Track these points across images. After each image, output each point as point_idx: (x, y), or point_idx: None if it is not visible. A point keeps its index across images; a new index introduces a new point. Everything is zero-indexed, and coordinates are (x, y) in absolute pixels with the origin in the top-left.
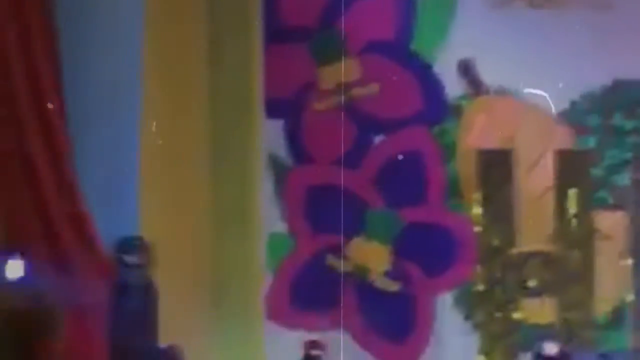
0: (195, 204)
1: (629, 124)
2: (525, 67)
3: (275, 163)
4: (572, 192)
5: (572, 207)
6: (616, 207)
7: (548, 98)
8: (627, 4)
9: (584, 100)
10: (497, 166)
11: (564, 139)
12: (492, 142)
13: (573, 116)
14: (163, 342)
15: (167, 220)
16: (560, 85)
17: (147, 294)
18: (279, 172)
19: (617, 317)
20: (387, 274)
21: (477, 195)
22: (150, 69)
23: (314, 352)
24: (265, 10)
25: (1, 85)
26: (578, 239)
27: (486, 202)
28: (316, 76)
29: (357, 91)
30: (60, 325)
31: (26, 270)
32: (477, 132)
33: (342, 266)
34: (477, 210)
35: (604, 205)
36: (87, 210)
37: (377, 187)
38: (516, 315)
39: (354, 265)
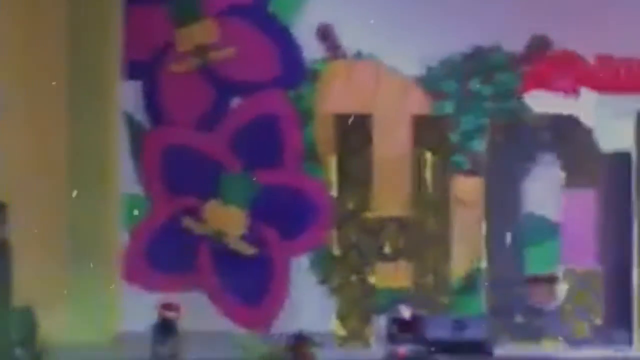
0: (52, 165)
1: (486, 90)
2: (383, 33)
3: (132, 124)
4: (429, 157)
5: (428, 172)
6: (472, 172)
7: (406, 64)
8: None
9: (441, 66)
10: (354, 131)
11: (421, 104)
12: (350, 107)
13: (430, 82)
14: (17, 303)
15: (23, 181)
16: (418, 51)
17: (1, 254)
18: (136, 134)
19: (471, 282)
20: (243, 237)
21: (333, 160)
22: (5, 30)
23: (169, 314)
24: None
25: None
26: (434, 204)
27: (342, 167)
28: (174, 38)
29: (215, 54)
30: None
31: None
32: (334, 97)
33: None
34: (333, 174)
35: (460, 170)
36: None
37: (233, 150)
38: (372, 280)
39: (210, 228)
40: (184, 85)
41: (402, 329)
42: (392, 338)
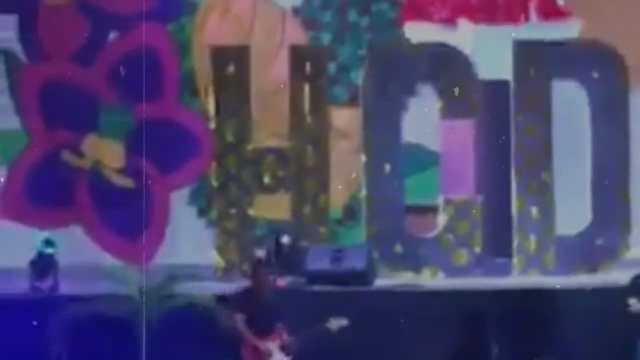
0: None
1: (364, 21)
2: None
3: (8, 59)
4: (307, 89)
5: (306, 104)
6: (350, 103)
7: None
8: None
9: None
10: (232, 62)
11: (298, 35)
12: (227, 39)
13: (308, 12)
14: None
15: None
16: None
17: None
18: (13, 68)
19: (350, 213)
20: (121, 170)
21: (212, 92)
22: None
23: (48, 250)
24: None
25: None
26: (313, 135)
27: (221, 99)
28: None
29: None
30: None
31: None
32: (212, 28)
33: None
34: (211, 106)
35: (338, 101)
36: None
37: (111, 83)
38: (251, 211)
39: (88, 162)
40: (59, 19)
41: (281, 259)
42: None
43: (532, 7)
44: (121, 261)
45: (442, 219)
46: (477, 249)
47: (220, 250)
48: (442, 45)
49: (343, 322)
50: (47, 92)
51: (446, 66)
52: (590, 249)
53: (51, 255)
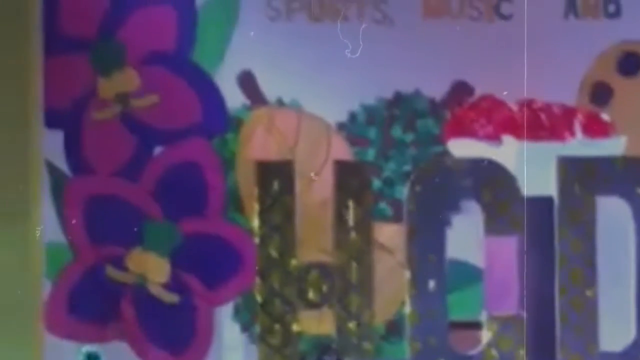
0: None
1: (408, 137)
2: (304, 79)
3: (54, 173)
4: (351, 204)
5: (350, 219)
6: (395, 219)
7: (327, 110)
8: (406, 17)
9: (363, 112)
10: (276, 178)
11: (343, 150)
12: (272, 154)
13: (352, 128)
14: None
15: None
16: (339, 97)
17: None
18: (59, 183)
19: (395, 328)
20: (166, 285)
21: (256, 207)
22: None
23: None
24: (45, 19)
25: None
26: (357, 250)
27: (265, 214)
28: (95, 86)
29: (137, 102)
30: None
31: None
32: (256, 144)
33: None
34: (256, 222)
35: (383, 217)
36: None
37: (156, 198)
38: (295, 327)
39: (133, 277)
40: (105, 133)
41: None
42: None
43: (578, 124)
44: None
45: (486, 336)
46: None
47: None
48: (487, 161)
49: None
50: (92, 206)
51: (489, 182)
52: None
53: None
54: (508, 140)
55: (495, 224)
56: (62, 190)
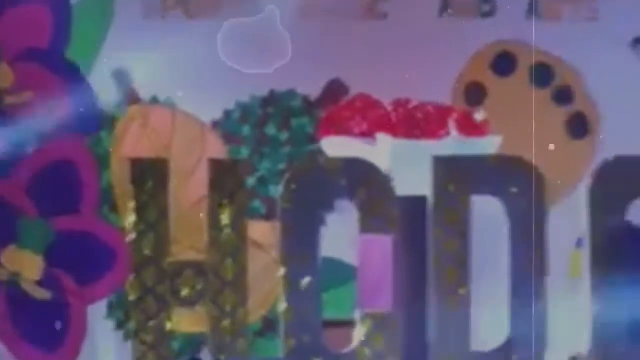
0: None
1: (282, 135)
2: (179, 77)
3: None
4: (226, 202)
5: (225, 217)
6: (269, 217)
7: (201, 108)
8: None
9: (237, 110)
10: (150, 175)
11: (217, 148)
12: (146, 152)
13: (227, 126)
14: None
15: None
16: (214, 95)
17: None
18: None
19: (269, 325)
20: (39, 282)
21: (130, 205)
22: None
23: None
24: None
25: None
26: (231, 248)
27: (140, 211)
28: None
29: (11, 98)
30: None
31: None
32: (131, 141)
33: None
34: (130, 219)
35: (257, 215)
36: None
37: (30, 195)
38: (169, 325)
39: (6, 273)
40: None
41: None
42: None
43: (452, 122)
44: None
45: (359, 333)
46: None
47: None
48: (360, 160)
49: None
50: None
51: (363, 180)
52: None
53: None
54: (382, 138)
55: (369, 223)
56: None
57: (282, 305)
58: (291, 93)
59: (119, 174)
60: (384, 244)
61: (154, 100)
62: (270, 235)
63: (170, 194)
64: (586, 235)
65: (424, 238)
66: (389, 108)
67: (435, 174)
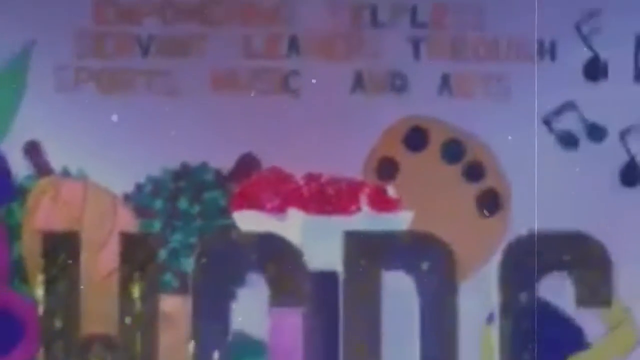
0: None
1: (194, 209)
2: (91, 150)
3: None
4: (137, 275)
5: (136, 290)
6: (180, 291)
7: (114, 181)
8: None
9: (149, 183)
10: (62, 248)
11: (129, 222)
12: (58, 224)
13: (139, 199)
14: None
15: None
16: (126, 168)
17: None
18: None
19: None
20: None
21: (41, 277)
22: None
23: None
24: None
25: None
26: (142, 322)
27: (50, 285)
28: None
29: None
30: None
31: None
32: (42, 214)
33: None
34: (40, 292)
35: (168, 288)
36: None
37: None
38: None
39: None
40: None
41: None
42: None
43: (364, 198)
44: None
45: None
46: None
47: None
48: (272, 235)
49: None
50: None
51: (275, 255)
52: None
53: None
54: (294, 213)
55: (280, 298)
56: None
57: None
58: (203, 167)
59: (30, 246)
60: (294, 318)
61: (66, 172)
62: (182, 309)
63: (81, 267)
64: (496, 312)
65: (335, 313)
66: (301, 183)
67: (347, 249)
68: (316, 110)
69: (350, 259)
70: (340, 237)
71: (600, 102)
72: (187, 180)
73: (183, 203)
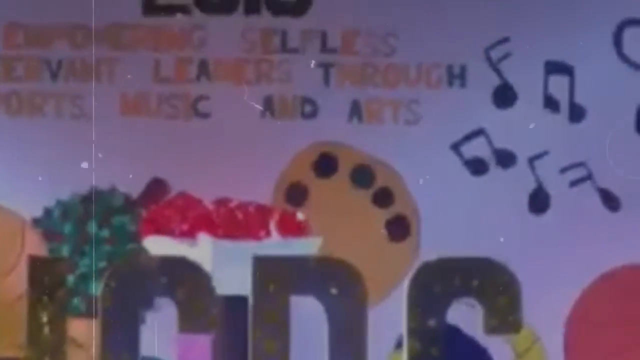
0: None
1: (103, 233)
2: (0, 173)
3: None
4: (45, 299)
5: (45, 314)
6: (89, 315)
7: (22, 205)
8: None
9: (59, 207)
10: None
11: (37, 245)
12: None
13: (47, 223)
14: None
15: None
16: (34, 193)
17: None
18: None
19: None
20: None
21: None
22: None
23: None
24: None
25: None
26: (50, 346)
27: None
28: None
29: None
30: None
31: None
32: None
33: None
34: None
35: (77, 312)
36: None
37: None
38: None
39: None
40: None
41: None
42: None
43: (273, 223)
44: None
45: None
46: None
47: None
48: (181, 259)
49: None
50: None
51: (184, 280)
52: None
53: None
54: (204, 238)
55: (189, 322)
56: None
57: None
58: (112, 191)
59: None
60: (203, 343)
61: None
62: (90, 333)
63: None
64: (405, 337)
65: (244, 338)
66: (210, 207)
67: (256, 274)
68: (226, 135)
69: (259, 283)
70: (249, 262)
71: (509, 128)
72: (97, 204)
73: (92, 227)
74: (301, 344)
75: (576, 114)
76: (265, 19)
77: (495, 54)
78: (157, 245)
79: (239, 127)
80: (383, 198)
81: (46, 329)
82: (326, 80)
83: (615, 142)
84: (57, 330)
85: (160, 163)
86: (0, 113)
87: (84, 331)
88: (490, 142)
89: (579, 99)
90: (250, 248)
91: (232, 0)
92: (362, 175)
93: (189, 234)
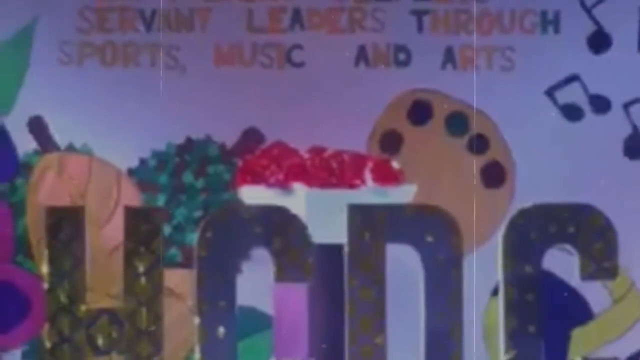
0: None
1: (199, 183)
2: (95, 125)
3: None
4: (142, 250)
5: (140, 265)
6: (185, 265)
7: (117, 156)
8: (197, 64)
9: (154, 158)
10: (66, 223)
11: (133, 196)
12: (62, 199)
13: (143, 174)
14: None
15: None
16: (130, 143)
17: None
18: None
19: None
20: None
21: (46, 253)
22: None
23: None
24: None
25: None
26: (147, 296)
27: (55, 260)
28: None
29: None
30: None
31: None
32: (46, 189)
33: None
34: (45, 267)
35: (173, 263)
36: None
37: None
38: None
39: None
40: None
41: None
42: None
43: (368, 171)
44: None
45: None
46: None
47: None
48: (277, 208)
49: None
50: None
51: (280, 229)
52: None
53: None
54: (299, 187)
55: (285, 272)
56: None
57: (197, 355)
58: (208, 141)
59: (34, 222)
60: (299, 292)
61: (70, 148)
62: (186, 283)
63: (86, 242)
64: (501, 284)
65: (340, 286)
66: (305, 157)
67: (351, 222)
68: (320, 84)
69: (354, 232)
70: (345, 211)
71: (604, 74)
72: (191, 154)
73: (187, 177)
74: (397, 292)
75: None
76: None
77: (589, 0)
78: (252, 195)
79: (332, 76)
80: (478, 145)
81: (142, 280)
82: (419, 27)
83: None
84: (153, 280)
85: (254, 113)
86: (94, 64)
87: (180, 282)
88: (585, 88)
89: None
90: (345, 196)
91: None
92: (457, 122)
93: (284, 183)
